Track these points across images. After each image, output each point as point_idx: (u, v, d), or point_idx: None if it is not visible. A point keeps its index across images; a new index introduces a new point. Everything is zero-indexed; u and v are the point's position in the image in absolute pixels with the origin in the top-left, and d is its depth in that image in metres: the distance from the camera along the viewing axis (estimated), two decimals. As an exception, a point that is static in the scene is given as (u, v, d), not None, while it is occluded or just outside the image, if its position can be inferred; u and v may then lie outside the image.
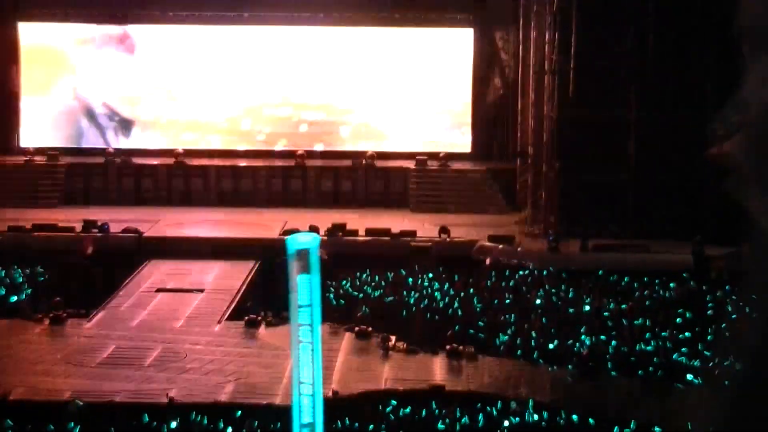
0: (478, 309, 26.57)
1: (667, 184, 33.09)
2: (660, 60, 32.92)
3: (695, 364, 22.82)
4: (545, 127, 34.06)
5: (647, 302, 27.20)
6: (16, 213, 34.87)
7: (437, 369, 23.21)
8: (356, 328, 25.33)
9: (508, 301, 27.12)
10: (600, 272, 29.24)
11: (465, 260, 30.80)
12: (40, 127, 40.17)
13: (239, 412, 19.99)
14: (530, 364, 23.55)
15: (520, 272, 29.70)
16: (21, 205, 36.37)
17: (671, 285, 28.16)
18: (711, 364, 22.36)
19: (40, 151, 38.91)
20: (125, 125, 40.37)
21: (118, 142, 40.25)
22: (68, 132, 40.22)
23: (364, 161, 38.70)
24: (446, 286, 28.24)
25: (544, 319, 25.65)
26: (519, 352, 24.03)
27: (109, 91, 40.27)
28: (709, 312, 26.18)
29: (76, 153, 39.51)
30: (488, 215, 36.07)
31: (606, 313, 26.27)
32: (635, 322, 25.59)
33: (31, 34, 40.17)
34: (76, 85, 40.11)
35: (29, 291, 28.12)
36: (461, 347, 23.95)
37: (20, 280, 28.70)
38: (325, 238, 31.94)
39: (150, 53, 40.19)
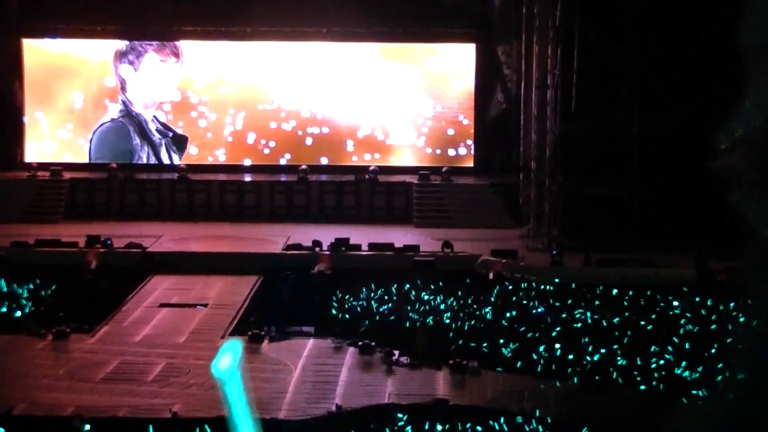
0: (481, 323, 26.53)
1: (670, 197, 33.10)
2: (663, 73, 32.95)
3: (698, 377, 22.75)
4: (548, 140, 34.08)
5: (651, 315, 27.14)
6: (20, 228, 34.85)
7: (441, 383, 23.16)
8: (359, 343, 25.28)
9: (511, 315, 27.08)
10: (603, 286, 29.20)
11: (468, 274, 30.76)
12: (82, 145, 40.17)
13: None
14: (534, 377, 23.50)
15: (524, 286, 29.67)
16: (24, 221, 36.39)
17: (670, 298, 28.09)
18: (717, 378, 22.30)
19: (43, 166, 38.93)
20: (179, 142, 40.32)
21: (171, 159, 40.10)
22: (120, 149, 39.97)
23: (367, 176, 38.71)
24: (449, 300, 28.21)
25: (547, 333, 25.60)
26: (523, 365, 23.98)
27: (160, 105, 40.15)
28: (712, 325, 26.13)
29: (80, 168, 39.54)
30: (491, 229, 36.02)
31: (609, 327, 26.21)
32: (638, 335, 25.54)
33: (66, 48, 40.13)
34: (124, 99, 39.91)
35: (32, 306, 28.10)
36: (465, 361, 23.90)
37: (24, 295, 28.67)
38: (328, 252, 31.99)
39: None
